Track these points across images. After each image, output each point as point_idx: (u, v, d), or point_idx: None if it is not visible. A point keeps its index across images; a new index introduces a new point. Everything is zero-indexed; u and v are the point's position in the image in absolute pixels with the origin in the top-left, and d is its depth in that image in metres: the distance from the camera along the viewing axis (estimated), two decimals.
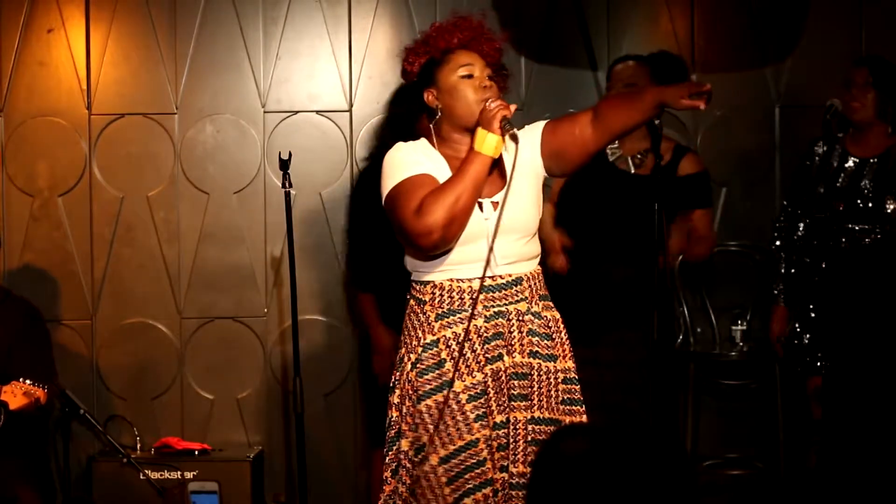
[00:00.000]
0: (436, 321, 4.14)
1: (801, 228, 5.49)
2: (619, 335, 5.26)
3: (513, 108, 4.07)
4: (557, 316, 4.23)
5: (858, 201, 5.28)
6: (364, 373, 5.86)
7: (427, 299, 4.16)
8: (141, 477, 5.52)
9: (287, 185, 4.90)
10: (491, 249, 4.08)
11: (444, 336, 4.13)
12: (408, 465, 4.16)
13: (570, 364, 4.22)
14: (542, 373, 4.16)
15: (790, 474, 5.77)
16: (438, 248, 4.07)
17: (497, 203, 4.15)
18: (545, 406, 4.15)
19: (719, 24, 6.18)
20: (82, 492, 5.78)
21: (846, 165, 5.36)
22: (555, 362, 4.17)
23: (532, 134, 4.19)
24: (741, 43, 6.20)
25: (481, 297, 4.11)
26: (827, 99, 5.35)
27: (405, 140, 4.21)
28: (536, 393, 4.15)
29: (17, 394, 4.85)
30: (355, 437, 6.14)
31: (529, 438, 4.12)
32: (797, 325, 5.49)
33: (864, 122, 5.34)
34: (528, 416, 4.13)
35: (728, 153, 6.16)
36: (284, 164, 4.89)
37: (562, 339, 4.22)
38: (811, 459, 5.36)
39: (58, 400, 5.21)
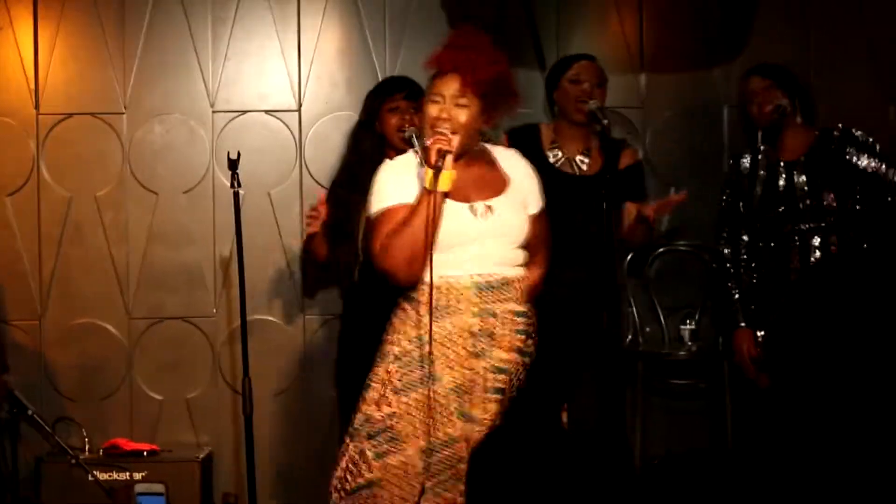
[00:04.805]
0: (426, 317, 4.20)
1: (745, 240, 5.47)
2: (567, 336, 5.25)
3: (454, 140, 4.14)
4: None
5: (798, 203, 5.31)
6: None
7: (418, 296, 4.22)
8: (90, 478, 5.50)
9: (236, 184, 4.90)
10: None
11: (434, 331, 4.19)
12: (370, 455, 4.21)
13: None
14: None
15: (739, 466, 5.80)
16: (404, 283, 4.19)
17: (491, 207, 4.20)
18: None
19: (668, 24, 6.21)
20: (31, 492, 5.74)
21: (777, 170, 5.37)
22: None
23: (533, 184, 4.42)
24: (689, 44, 6.24)
25: (473, 295, 4.21)
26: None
27: None
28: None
29: None
30: (308, 437, 6.13)
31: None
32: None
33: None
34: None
35: (677, 153, 6.20)
36: (233, 164, 4.90)
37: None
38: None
39: (6, 401, 5.18)
